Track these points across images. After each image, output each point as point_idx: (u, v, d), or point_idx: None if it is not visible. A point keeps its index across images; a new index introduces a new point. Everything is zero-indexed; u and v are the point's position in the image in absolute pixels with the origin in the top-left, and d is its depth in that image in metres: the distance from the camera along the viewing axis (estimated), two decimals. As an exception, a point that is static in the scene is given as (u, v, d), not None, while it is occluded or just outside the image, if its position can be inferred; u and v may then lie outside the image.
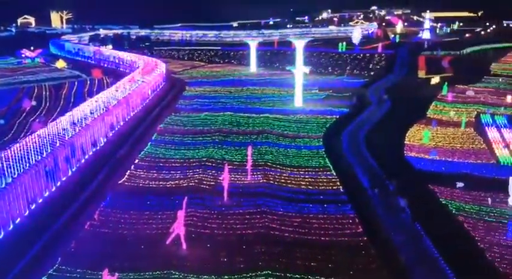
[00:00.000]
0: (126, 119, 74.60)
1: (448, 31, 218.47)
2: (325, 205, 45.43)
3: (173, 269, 35.06)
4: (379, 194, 47.07)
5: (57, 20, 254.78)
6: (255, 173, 52.84)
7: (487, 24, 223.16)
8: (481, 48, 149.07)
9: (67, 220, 42.59)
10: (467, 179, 50.93)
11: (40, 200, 45.19)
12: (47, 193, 46.68)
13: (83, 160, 55.76)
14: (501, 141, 64.50)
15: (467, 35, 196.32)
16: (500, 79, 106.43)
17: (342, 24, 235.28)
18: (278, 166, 55.97)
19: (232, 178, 50.02)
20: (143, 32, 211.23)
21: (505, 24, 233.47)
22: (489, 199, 46.38)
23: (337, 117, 77.31)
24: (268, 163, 56.43)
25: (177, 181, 51.77)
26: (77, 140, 55.00)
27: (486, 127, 70.41)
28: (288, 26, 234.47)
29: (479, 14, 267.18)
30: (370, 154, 58.95)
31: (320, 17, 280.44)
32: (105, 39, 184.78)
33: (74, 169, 52.93)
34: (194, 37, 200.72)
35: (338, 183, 50.85)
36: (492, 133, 67.63)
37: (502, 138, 65.85)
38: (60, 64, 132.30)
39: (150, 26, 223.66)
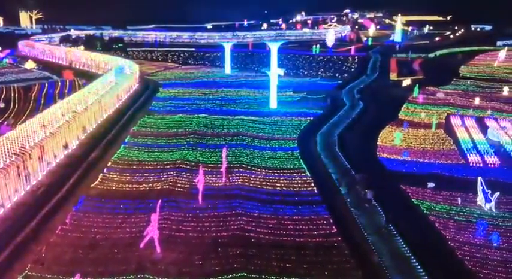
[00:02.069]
0: (99, 121, 73.38)
1: (419, 34, 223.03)
2: (299, 206, 45.70)
3: (147, 273, 34.65)
4: (349, 192, 47.78)
5: (26, 19, 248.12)
6: (229, 175, 52.78)
7: (456, 28, 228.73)
8: (450, 51, 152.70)
9: (37, 224, 41.55)
10: (438, 179, 52.10)
11: (9, 205, 43.99)
12: (16, 197, 45.46)
13: (54, 163, 54.58)
14: (470, 142, 66.25)
15: (437, 39, 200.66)
16: (468, 82, 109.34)
17: (316, 27, 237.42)
18: (253, 168, 56.03)
19: (207, 181, 49.84)
20: (116, 33, 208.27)
21: (473, 28, 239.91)
22: (459, 198, 47.60)
23: (311, 118, 77.93)
24: (243, 165, 56.45)
25: (150, 184, 51.18)
26: (48, 143, 53.77)
27: (456, 129, 72.16)
28: (262, 28, 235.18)
29: (449, 18, 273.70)
30: (344, 155, 59.58)
31: (294, 20, 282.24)
32: (77, 40, 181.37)
33: (44, 172, 51.75)
34: (168, 38, 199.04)
35: (312, 184, 51.23)
36: (461, 134, 69.38)
37: (471, 138, 67.64)
38: (30, 65, 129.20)
39: (123, 26, 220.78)
